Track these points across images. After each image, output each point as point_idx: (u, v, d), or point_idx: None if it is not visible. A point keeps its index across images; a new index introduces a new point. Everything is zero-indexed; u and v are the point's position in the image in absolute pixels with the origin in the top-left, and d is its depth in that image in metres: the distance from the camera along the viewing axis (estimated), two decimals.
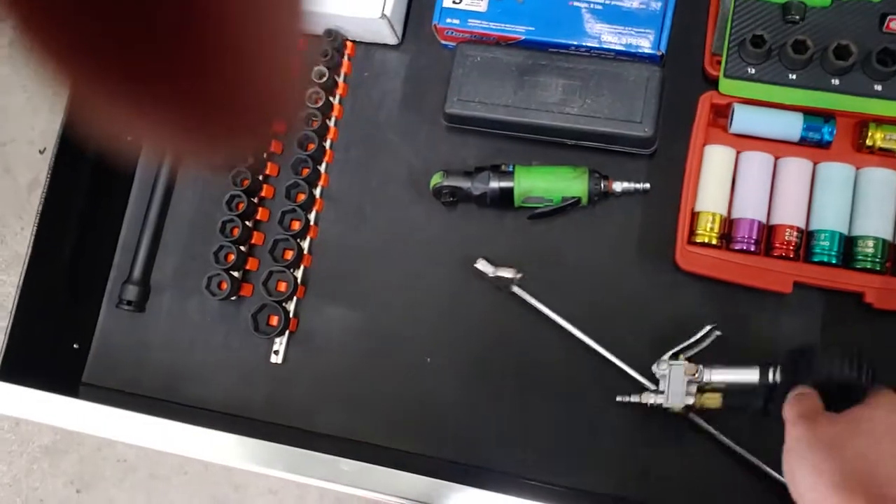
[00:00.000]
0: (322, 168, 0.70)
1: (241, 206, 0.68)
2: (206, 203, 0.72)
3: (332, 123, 0.71)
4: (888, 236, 0.60)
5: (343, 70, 0.71)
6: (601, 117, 0.64)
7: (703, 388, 0.60)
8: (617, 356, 0.63)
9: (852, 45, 0.58)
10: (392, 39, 0.71)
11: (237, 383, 0.68)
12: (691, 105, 0.65)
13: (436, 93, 0.70)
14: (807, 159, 0.62)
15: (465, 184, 0.66)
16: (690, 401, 0.59)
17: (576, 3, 0.66)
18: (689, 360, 0.61)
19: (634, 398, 0.61)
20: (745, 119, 0.63)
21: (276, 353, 0.68)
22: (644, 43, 0.64)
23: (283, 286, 0.67)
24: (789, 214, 0.62)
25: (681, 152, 0.65)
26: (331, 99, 0.70)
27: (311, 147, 0.69)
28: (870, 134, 0.61)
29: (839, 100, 0.60)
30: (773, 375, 0.58)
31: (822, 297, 0.62)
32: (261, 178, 0.70)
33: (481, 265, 0.64)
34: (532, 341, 0.65)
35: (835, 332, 0.60)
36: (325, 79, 0.69)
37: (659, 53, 0.64)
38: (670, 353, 0.62)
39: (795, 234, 0.61)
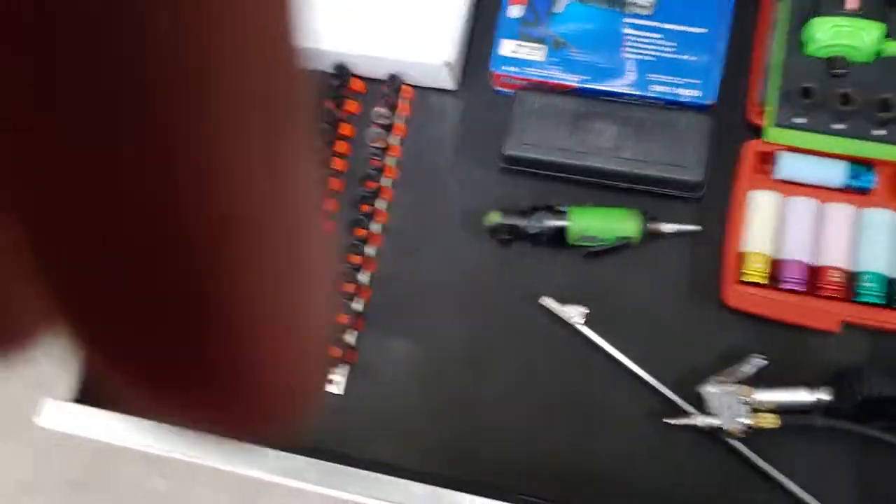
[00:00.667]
0: (382, 205, 0.73)
1: None
2: None
3: (392, 163, 0.74)
4: None
5: (401, 112, 0.75)
6: (652, 161, 0.67)
7: (756, 410, 0.62)
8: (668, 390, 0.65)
9: (895, 99, 0.62)
10: (450, 85, 0.74)
11: None
12: (734, 150, 0.69)
13: (490, 136, 0.73)
14: (850, 205, 0.66)
15: (521, 222, 0.68)
16: (747, 421, 0.62)
17: (627, 55, 0.70)
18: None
19: (685, 421, 0.63)
20: (790, 166, 0.66)
21: (337, 384, 0.70)
22: (694, 93, 0.68)
23: (343, 318, 0.70)
24: (835, 257, 0.65)
25: (727, 196, 0.68)
26: (389, 139, 0.74)
27: (372, 185, 0.72)
28: None
29: (882, 149, 0.63)
30: (825, 395, 0.61)
31: (870, 338, 0.65)
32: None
33: (548, 302, 0.67)
34: (585, 375, 0.68)
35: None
36: (385, 120, 0.72)
37: (710, 104, 0.68)
38: (716, 376, 0.64)
39: (842, 275, 0.64)
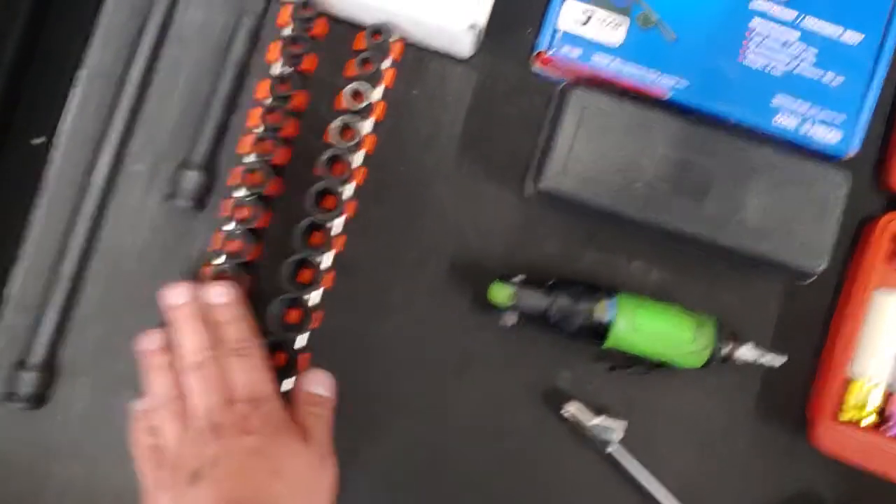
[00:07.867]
0: (337, 225, 0.48)
1: None
2: None
3: (359, 161, 0.48)
4: None
5: (384, 82, 0.48)
6: (761, 232, 0.45)
7: None
8: None
9: None
10: (465, 52, 0.48)
11: None
12: (855, 223, 0.49)
13: (512, 135, 0.49)
14: None
15: (540, 302, 0.45)
16: None
17: (748, 61, 0.45)
18: None
19: None
20: None
21: None
22: (833, 135, 0.46)
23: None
24: None
25: (834, 286, 0.49)
26: (362, 124, 0.47)
27: (328, 204, 0.46)
28: None
29: None
30: None
31: None
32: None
33: (576, 411, 0.47)
34: None
35: None
36: (362, 104, 0.46)
37: (849, 156, 0.46)
38: None
39: None
